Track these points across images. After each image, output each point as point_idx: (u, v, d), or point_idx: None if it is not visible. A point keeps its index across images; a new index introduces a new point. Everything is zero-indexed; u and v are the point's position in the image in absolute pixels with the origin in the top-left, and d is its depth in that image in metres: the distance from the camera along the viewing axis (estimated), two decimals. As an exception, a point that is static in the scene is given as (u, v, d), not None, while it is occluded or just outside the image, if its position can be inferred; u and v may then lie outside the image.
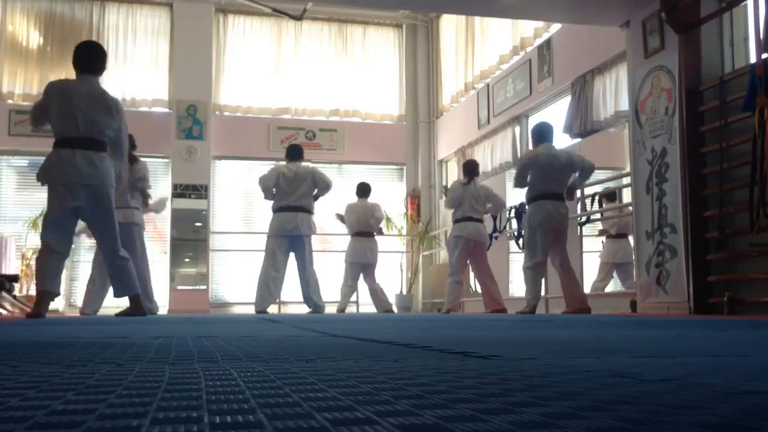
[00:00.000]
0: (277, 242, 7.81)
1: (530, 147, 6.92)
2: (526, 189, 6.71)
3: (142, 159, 7.09)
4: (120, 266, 5.22)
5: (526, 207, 6.84)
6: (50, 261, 4.91)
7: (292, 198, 7.74)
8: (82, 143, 4.89)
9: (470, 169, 8.06)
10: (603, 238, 8.55)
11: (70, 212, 4.94)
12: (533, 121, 9.20)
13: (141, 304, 5.44)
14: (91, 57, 5.11)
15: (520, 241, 8.01)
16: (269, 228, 7.90)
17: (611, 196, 7.94)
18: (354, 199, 9.06)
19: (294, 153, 8.00)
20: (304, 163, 8.09)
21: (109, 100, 5.09)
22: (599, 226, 8.51)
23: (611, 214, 7.99)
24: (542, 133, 6.66)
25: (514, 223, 8.17)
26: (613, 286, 8.44)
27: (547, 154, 6.50)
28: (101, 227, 5.11)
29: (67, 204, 4.87)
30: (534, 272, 6.50)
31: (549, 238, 6.42)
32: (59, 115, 4.90)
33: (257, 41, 12.06)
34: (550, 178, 6.49)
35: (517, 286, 8.98)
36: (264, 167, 8.80)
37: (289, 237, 7.79)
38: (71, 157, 4.84)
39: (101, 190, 4.95)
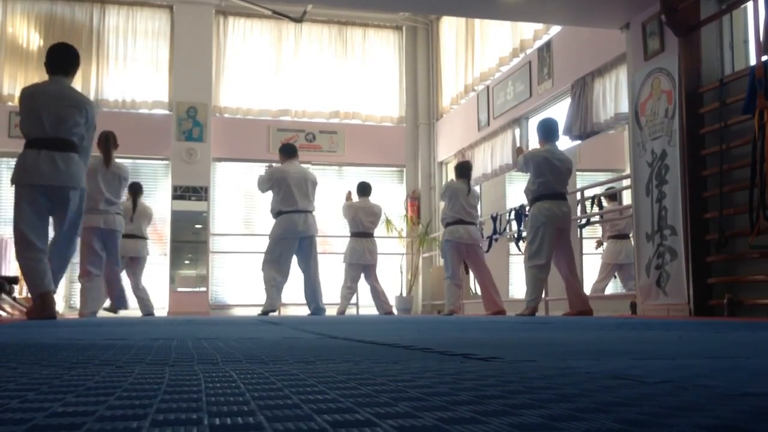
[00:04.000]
0: (285, 244, 7.67)
1: (536, 144, 6.87)
2: (527, 189, 6.71)
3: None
4: (63, 264, 5.12)
5: (528, 209, 6.83)
6: (38, 262, 4.82)
7: (298, 199, 7.66)
8: (48, 144, 4.85)
9: (465, 170, 8.02)
10: (600, 248, 8.54)
11: (42, 208, 4.84)
12: (533, 123, 9.21)
13: (51, 304, 5.00)
14: (61, 58, 5.07)
15: (521, 243, 7.99)
16: (276, 230, 7.71)
17: (613, 196, 7.94)
18: (354, 199, 9.04)
19: (291, 151, 7.95)
20: (303, 165, 8.08)
21: (78, 98, 5.05)
22: (599, 228, 8.51)
23: (612, 216, 7.98)
24: (549, 132, 6.64)
25: (514, 225, 8.15)
26: (613, 287, 8.44)
27: (552, 156, 6.49)
28: (61, 227, 4.99)
29: (32, 199, 4.80)
30: (537, 273, 6.47)
31: (553, 238, 6.41)
32: (27, 118, 4.90)
33: (257, 43, 12.06)
34: (554, 179, 6.49)
35: (517, 288, 8.97)
36: (264, 169, 8.79)
37: (299, 238, 7.69)
38: (35, 159, 4.80)
39: (63, 192, 4.87)
